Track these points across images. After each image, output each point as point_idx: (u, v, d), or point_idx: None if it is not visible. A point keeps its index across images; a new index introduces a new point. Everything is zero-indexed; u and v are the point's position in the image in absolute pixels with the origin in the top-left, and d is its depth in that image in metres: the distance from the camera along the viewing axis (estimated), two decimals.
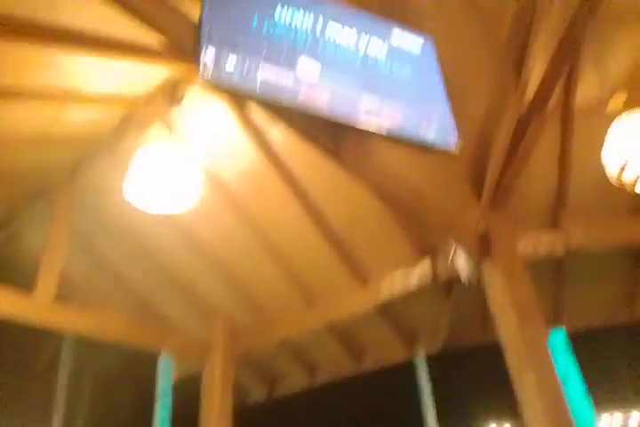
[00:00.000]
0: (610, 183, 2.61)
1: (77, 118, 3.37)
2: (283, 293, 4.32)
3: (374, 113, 2.01)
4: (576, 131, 3.16)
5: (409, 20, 2.60)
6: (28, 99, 2.97)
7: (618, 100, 2.24)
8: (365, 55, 2.13)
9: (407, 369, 4.59)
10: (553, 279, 4.06)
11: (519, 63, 2.66)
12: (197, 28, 1.74)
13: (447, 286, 3.97)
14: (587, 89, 2.94)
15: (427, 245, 3.75)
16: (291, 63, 1.85)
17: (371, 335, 4.63)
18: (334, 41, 2.07)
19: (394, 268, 3.85)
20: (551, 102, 2.78)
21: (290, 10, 2.00)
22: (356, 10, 2.28)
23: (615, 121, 2.25)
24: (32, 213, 4.34)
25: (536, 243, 3.38)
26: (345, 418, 7.34)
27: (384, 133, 2.05)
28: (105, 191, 4.04)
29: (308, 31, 2.01)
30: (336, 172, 2.40)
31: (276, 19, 1.95)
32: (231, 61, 1.71)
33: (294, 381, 5.35)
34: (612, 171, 2.42)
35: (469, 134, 3.10)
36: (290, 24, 1.98)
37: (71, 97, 3.10)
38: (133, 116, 3.50)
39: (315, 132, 2.15)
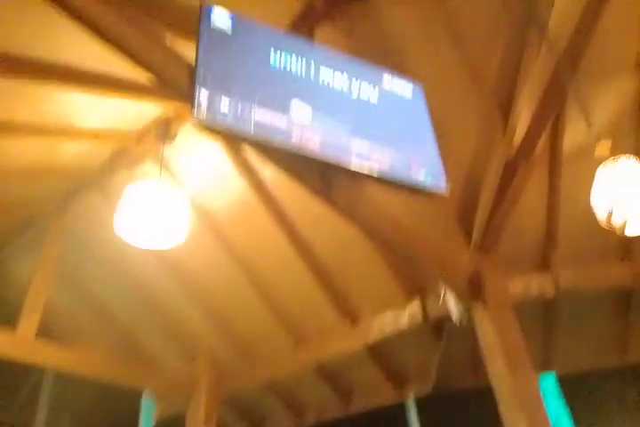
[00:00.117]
0: (599, 226, 2.62)
1: (70, 152, 3.39)
2: (270, 332, 4.26)
3: (365, 155, 2.03)
4: (564, 174, 3.21)
5: (399, 67, 2.68)
6: (22, 132, 2.99)
7: (603, 147, 2.28)
8: (357, 99, 2.17)
9: (397, 411, 4.49)
10: (543, 322, 4.04)
11: (506, 109, 2.74)
12: (191, 70, 1.77)
13: (438, 326, 3.93)
14: (574, 134, 3.02)
15: (417, 285, 3.74)
16: (284, 107, 1.88)
17: (360, 376, 4.55)
18: (326, 85, 2.11)
19: (384, 308, 3.82)
20: (538, 146, 2.84)
21: (283, 55, 2.05)
22: (348, 56, 2.34)
23: (601, 167, 2.29)
24: (19, 246, 4.30)
25: (526, 285, 3.39)
26: None
27: (375, 175, 2.07)
28: (94, 226, 4.03)
29: (301, 76, 2.05)
30: (326, 211, 2.41)
31: (270, 64, 2.00)
32: (224, 104, 1.73)
33: (281, 423, 5.20)
34: (600, 215, 2.45)
35: (458, 177, 3.16)
36: (283, 69, 2.02)
37: (64, 131, 3.12)
38: (125, 151, 3.52)
39: (306, 174, 2.18)
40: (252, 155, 3.30)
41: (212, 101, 1.71)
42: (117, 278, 4.35)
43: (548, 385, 4.02)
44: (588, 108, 2.36)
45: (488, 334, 3.00)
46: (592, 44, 2.64)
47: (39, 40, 2.46)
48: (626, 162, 2.26)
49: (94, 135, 3.26)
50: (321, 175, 2.20)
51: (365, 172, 2.02)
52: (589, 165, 2.43)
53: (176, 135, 3.34)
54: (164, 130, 3.28)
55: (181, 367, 4.70)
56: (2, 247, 4.35)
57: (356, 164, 1.98)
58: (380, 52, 2.83)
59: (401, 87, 2.37)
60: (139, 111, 3.19)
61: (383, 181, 2.11)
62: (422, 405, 4.46)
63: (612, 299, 3.96)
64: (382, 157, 2.07)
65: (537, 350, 4.17)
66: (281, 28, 2.63)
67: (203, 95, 1.71)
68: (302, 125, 1.90)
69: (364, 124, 2.12)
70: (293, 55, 2.08)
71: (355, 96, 2.18)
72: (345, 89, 2.16)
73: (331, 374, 4.55)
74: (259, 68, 1.96)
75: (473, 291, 3.09)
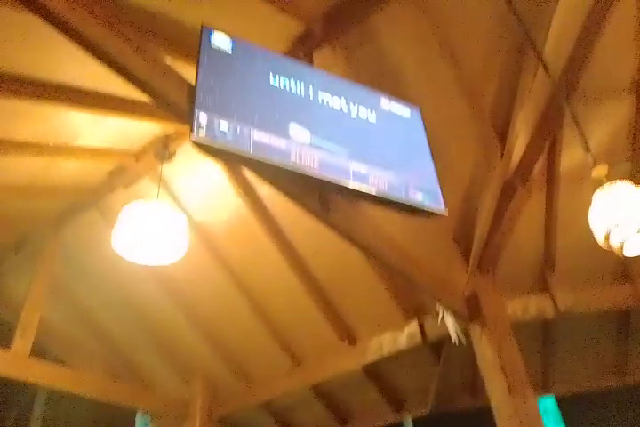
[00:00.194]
0: (596, 247, 2.63)
1: (68, 170, 3.39)
2: (266, 352, 4.22)
3: (363, 176, 2.04)
4: (561, 197, 3.22)
5: (397, 90, 2.71)
6: (21, 150, 3.00)
7: (600, 171, 2.30)
8: (355, 122, 2.19)
9: None
10: (541, 342, 4.02)
11: (503, 131, 2.76)
12: (191, 93, 1.78)
13: (436, 347, 3.91)
14: (571, 156, 3.04)
15: (415, 306, 3.72)
16: (282, 130, 1.89)
17: (357, 397, 4.50)
18: (324, 109, 2.12)
19: (382, 328, 3.80)
20: (536, 169, 2.86)
21: (281, 79, 2.07)
22: (346, 80, 2.37)
23: (598, 191, 2.30)
24: (15, 263, 4.28)
25: (524, 306, 3.38)
26: None
27: (373, 196, 2.07)
28: (90, 244, 4.02)
29: (299, 100, 2.07)
30: (324, 231, 2.41)
31: (268, 88, 2.01)
32: (223, 128, 1.74)
33: None
34: (598, 236, 2.46)
35: (456, 199, 3.17)
36: (281, 93, 2.03)
37: (63, 150, 3.13)
38: (124, 170, 3.53)
39: (304, 195, 2.18)
40: (250, 173, 3.31)
41: (210, 125, 1.72)
42: (113, 297, 4.33)
43: (548, 407, 3.99)
44: (585, 132, 2.37)
45: (486, 354, 2.99)
46: (588, 67, 2.67)
47: (39, 60, 2.49)
48: (622, 186, 2.27)
49: (93, 154, 3.27)
50: (319, 196, 2.20)
51: (363, 192, 2.02)
52: (586, 187, 2.45)
53: (175, 154, 3.35)
54: (162, 149, 3.29)
55: (176, 387, 4.65)
56: None
57: (354, 184, 1.99)
58: (378, 76, 2.87)
59: (399, 110, 2.40)
60: (138, 130, 3.20)
61: (381, 202, 2.11)
62: (420, 426, 4.41)
63: (611, 320, 3.94)
64: (380, 177, 2.08)
65: (536, 371, 4.14)
66: (279, 51, 2.65)
67: (202, 118, 1.72)
68: (300, 148, 1.90)
69: (362, 145, 2.13)
70: (292, 79, 2.10)
71: (352, 119, 2.20)
72: (343, 113, 2.17)
73: (328, 395, 4.50)
74: (258, 91, 1.97)
75: (471, 312, 3.09)
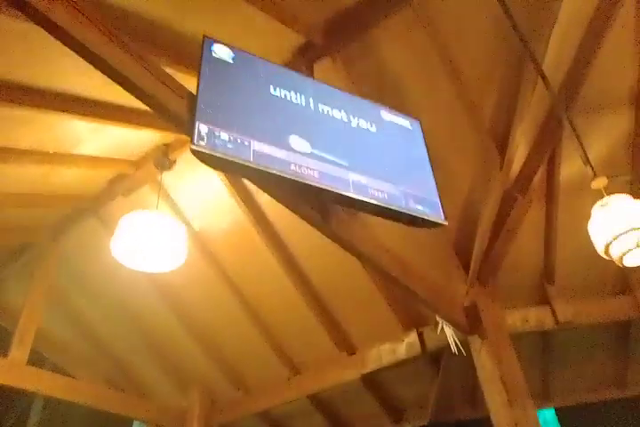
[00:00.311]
0: (596, 259, 2.63)
1: (68, 179, 3.40)
2: (265, 361, 4.20)
3: (363, 187, 2.04)
4: (561, 208, 3.23)
5: (397, 102, 2.72)
6: (21, 158, 3.00)
7: (599, 183, 2.30)
8: (355, 133, 2.19)
9: None
10: (541, 355, 4.00)
11: (503, 143, 2.77)
12: (191, 105, 1.79)
13: (435, 357, 3.89)
14: (570, 168, 3.04)
15: (415, 316, 3.71)
16: (282, 141, 1.89)
17: (356, 407, 4.47)
18: (324, 120, 2.13)
19: (381, 338, 3.78)
20: (535, 180, 2.87)
21: (282, 91, 2.08)
22: (346, 92, 2.38)
23: (597, 202, 2.31)
24: (13, 272, 4.27)
25: (524, 318, 3.37)
26: None
27: (373, 207, 2.07)
28: (89, 253, 4.02)
29: (300, 110, 2.08)
30: (324, 242, 2.41)
31: (269, 98, 2.02)
32: (223, 137, 1.74)
33: None
34: (598, 247, 2.47)
35: (455, 210, 3.17)
36: (282, 103, 2.04)
37: (63, 158, 3.14)
38: (123, 178, 3.53)
39: (304, 205, 2.18)
40: (250, 182, 3.31)
41: (211, 135, 1.72)
42: (111, 306, 4.32)
43: (547, 419, 3.96)
44: (584, 144, 2.38)
45: (486, 365, 2.99)
46: (587, 80, 2.69)
47: (41, 69, 2.50)
48: (621, 198, 2.28)
49: (93, 162, 3.28)
50: (318, 207, 2.20)
51: (363, 203, 2.02)
52: (586, 199, 2.45)
53: (175, 163, 3.36)
54: (162, 157, 3.30)
55: (174, 396, 4.63)
56: None
57: (353, 195, 1.98)
58: (378, 88, 2.88)
59: (399, 122, 2.40)
60: (138, 138, 3.21)
61: (381, 213, 2.11)
62: None
63: (611, 331, 3.92)
64: (380, 188, 2.08)
65: (536, 383, 4.12)
66: (280, 62, 2.67)
67: (202, 128, 1.72)
68: (300, 159, 1.91)
69: (362, 157, 2.13)
70: (292, 90, 2.10)
71: (352, 131, 2.20)
72: (343, 125, 2.18)
73: (326, 405, 4.47)
74: (258, 102, 1.98)
75: (470, 323, 3.08)
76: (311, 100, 2.14)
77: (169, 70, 2.05)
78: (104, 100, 2.78)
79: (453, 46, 2.71)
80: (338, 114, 2.19)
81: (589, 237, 2.46)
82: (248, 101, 1.94)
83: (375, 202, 2.02)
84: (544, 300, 3.48)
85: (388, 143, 2.28)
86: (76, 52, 1.64)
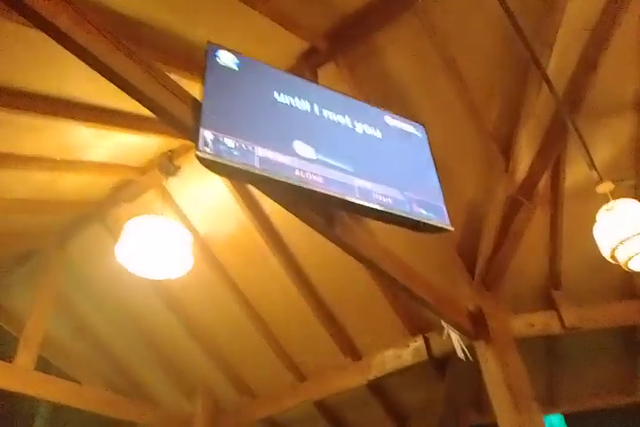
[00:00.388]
0: (602, 263, 2.62)
1: (73, 184, 3.41)
2: (270, 367, 4.19)
3: (368, 192, 2.03)
4: (566, 213, 3.21)
5: (401, 107, 2.72)
6: (26, 164, 3.02)
7: (604, 188, 2.29)
8: (360, 138, 2.19)
9: None
10: (547, 360, 3.97)
11: (508, 148, 2.77)
12: (196, 111, 1.79)
13: (441, 363, 3.87)
14: (575, 173, 3.04)
15: (420, 322, 3.69)
16: (287, 147, 1.90)
17: (362, 413, 4.45)
18: (329, 126, 2.13)
19: (386, 343, 3.77)
20: (540, 185, 2.86)
21: (286, 97, 2.08)
22: (350, 97, 2.38)
23: (603, 207, 2.30)
24: (19, 277, 4.28)
25: (529, 323, 3.35)
26: None
27: (378, 212, 2.07)
28: (94, 258, 4.02)
29: (304, 116, 2.08)
30: (329, 246, 2.40)
31: (273, 104, 2.02)
32: (228, 143, 1.75)
33: None
34: (604, 251, 2.46)
35: (460, 216, 3.17)
36: (286, 109, 2.04)
37: (68, 164, 3.15)
38: (128, 184, 3.54)
39: (309, 210, 2.18)
40: (254, 188, 3.31)
41: (216, 141, 1.73)
42: (116, 312, 4.32)
43: (554, 425, 3.93)
44: (589, 149, 2.37)
45: (492, 371, 2.97)
46: (592, 84, 2.68)
47: (46, 76, 2.51)
48: (627, 203, 2.27)
49: (99, 168, 3.29)
50: (323, 212, 2.20)
51: (368, 208, 2.02)
52: (591, 203, 2.44)
53: (179, 168, 3.37)
54: (167, 163, 3.31)
55: (179, 402, 4.62)
56: (1, 279, 4.33)
57: (358, 200, 1.98)
58: (382, 93, 2.88)
59: (404, 127, 2.40)
60: (143, 144, 3.22)
61: (386, 218, 2.10)
62: None
63: (618, 337, 3.90)
64: (385, 193, 2.07)
65: (542, 388, 4.09)
66: (284, 68, 2.67)
67: (207, 135, 1.72)
68: (305, 165, 1.91)
69: (367, 162, 2.13)
70: (296, 97, 2.11)
71: (357, 135, 2.20)
72: (347, 130, 2.18)
73: (332, 411, 4.46)
74: (263, 108, 1.98)
75: (476, 328, 3.07)
76: (315, 106, 2.14)
77: (174, 77, 2.06)
78: (109, 107, 2.80)
79: (457, 51, 2.72)
80: (342, 119, 2.20)
81: (595, 242, 2.45)
82: (252, 107, 1.95)
83: (380, 207, 2.01)
84: (550, 305, 3.46)
85: (392, 148, 2.28)
86: (81, 59, 1.64)
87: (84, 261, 4.12)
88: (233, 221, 3.65)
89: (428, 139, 2.44)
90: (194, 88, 1.92)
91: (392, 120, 2.38)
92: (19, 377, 3.50)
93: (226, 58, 2.04)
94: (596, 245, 2.44)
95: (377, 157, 2.18)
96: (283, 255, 3.65)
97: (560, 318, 3.37)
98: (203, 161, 1.70)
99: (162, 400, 4.80)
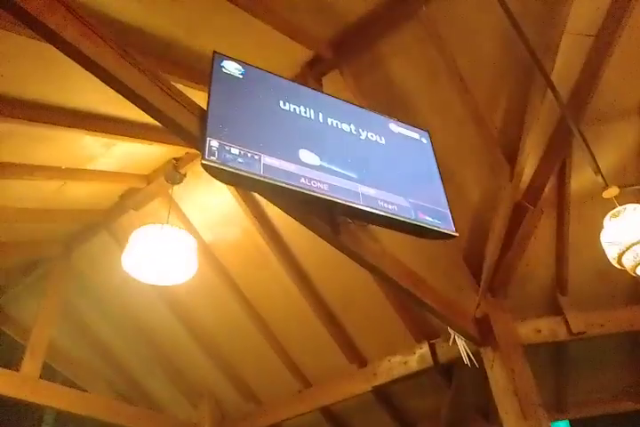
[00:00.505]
0: (609, 268, 2.62)
1: (79, 193, 3.43)
2: (276, 374, 4.18)
3: (373, 199, 2.04)
4: (572, 218, 3.20)
5: (405, 114, 2.72)
6: (33, 174, 3.04)
7: (610, 193, 2.29)
8: (364, 146, 2.20)
9: None
10: (554, 366, 3.95)
11: (513, 154, 2.77)
12: (202, 120, 1.81)
13: (448, 370, 3.85)
14: (581, 178, 3.03)
15: (426, 328, 3.68)
16: (292, 154, 1.91)
17: (367, 420, 4.42)
18: (334, 134, 2.14)
19: (392, 350, 3.75)
20: (546, 191, 2.86)
21: (291, 106, 2.09)
22: (355, 105, 2.39)
23: (609, 212, 2.30)
24: (25, 286, 4.29)
25: (536, 329, 3.33)
26: None
27: (383, 219, 2.07)
28: (100, 267, 4.04)
29: (309, 124, 2.09)
30: (334, 254, 2.41)
31: (278, 113, 2.04)
32: (234, 152, 1.76)
33: None
34: (611, 257, 2.46)
35: (466, 221, 3.17)
36: (291, 118, 2.06)
37: (75, 173, 3.17)
38: (134, 193, 3.56)
39: (314, 217, 2.19)
40: (260, 195, 3.33)
41: (221, 149, 1.74)
42: (122, 321, 4.33)
43: None
44: (595, 154, 2.37)
45: (499, 378, 2.96)
46: (597, 89, 2.69)
47: (53, 86, 2.54)
48: (633, 208, 2.26)
49: (105, 177, 3.31)
50: (329, 219, 2.21)
51: (373, 214, 2.02)
52: (597, 209, 2.44)
53: (185, 176, 3.38)
54: (173, 171, 3.32)
55: (185, 409, 4.61)
56: (8, 287, 4.35)
57: (363, 207, 1.99)
58: (386, 101, 2.89)
59: (408, 134, 2.41)
60: (149, 153, 3.25)
61: (391, 225, 2.11)
62: None
63: (625, 342, 3.88)
64: (390, 199, 2.08)
65: (549, 395, 4.07)
66: (289, 76, 2.69)
67: (213, 143, 1.74)
68: (310, 172, 1.92)
69: (371, 169, 2.14)
70: (301, 106, 2.12)
71: (363, 140, 2.21)
72: (352, 138, 2.19)
73: (337, 418, 4.44)
74: (268, 116, 2.00)
75: (482, 335, 3.06)
76: (320, 114, 2.16)
77: (180, 86, 2.08)
78: (116, 116, 2.82)
79: (461, 58, 2.72)
80: (347, 127, 2.21)
81: (601, 248, 2.44)
82: (258, 116, 1.96)
83: (385, 214, 2.02)
84: (557, 310, 3.44)
85: (397, 155, 2.29)
86: (88, 69, 1.66)
87: (90, 270, 4.14)
88: (238, 227, 3.66)
89: (433, 145, 2.45)
90: (200, 97, 1.93)
91: (397, 127, 2.39)
92: (25, 385, 3.51)
93: (231, 67, 2.06)
94: (602, 250, 2.43)
95: (382, 164, 2.19)
96: (288, 262, 3.66)
97: (566, 324, 3.35)
98: (209, 169, 1.72)
99: (167, 407, 4.79)
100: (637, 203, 2.32)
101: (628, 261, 2.39)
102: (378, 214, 2.02)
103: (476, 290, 3.19)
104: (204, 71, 2.09)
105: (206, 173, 1.74)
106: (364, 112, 2.38)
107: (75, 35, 1.59)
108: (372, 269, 2.47)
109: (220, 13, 2.45)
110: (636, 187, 2.83)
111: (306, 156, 1.95)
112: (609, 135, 2.91)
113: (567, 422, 3.90)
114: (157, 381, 4.65)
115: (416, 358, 3.63)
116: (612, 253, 2.41)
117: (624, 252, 2.35)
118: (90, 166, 3.17)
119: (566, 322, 3.36)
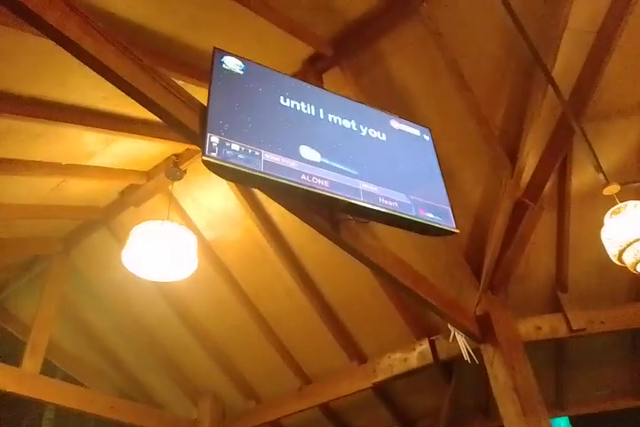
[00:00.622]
0: (609, 266, 2.63)
1: (78, 190, 3.42)
2: (276, 371, 4.19)
3: (374, 196, 2.04)
4: (573, 215, 3.20)
5: (406, 111, 2.72)
6: (32, 170, 3.03)
7: (611, 190, 2.29)
8: (365, 142, 2.20)
9: None
10: (554, 363, 3.96)
11: (513, 151, 2.76)
12: (202, 117, 1.80)
13: (448, 367, 3.86)
14: (582, 176, 3.03)
15: (426, 325, 3.68)
16: (293, 151, 1.91)
17: (368, 417, 4.44)
18: (334, 130, 2.14)
19: (392, 347, 3.75)
20: (546, 188, 2.85)
21: (291, 102, 2.09)
22: (356, 102, 2.39)
23: (610, 210, 2.30)
24: (25, 283, 4.29)
25: (537, 326, 3.33)
26: None
27: (383, 216, 2.07)
28: (100, 264, 4.04)
29: (310, 120, 2.09)
30: (335, 251, 2.41)
31: (279, 109, 2.03)
32: (234, 148, 1.76)
33: None
34: (611, 254, 2.46)
35: (466, 219, 3.16)
36: (292, 114, 2.05)
37: (74, 170, 3.17)
38: (134, 189, 3.55)
39: (314, 214, 2.18)
40: (260, 192, 3.33)
41: (222, 145, 1.74)
42: (122, 317, 4.33)
43: None
44: (595, 151, 2.37)
45: (499, 375, 2.96)
46: (598, 86, 2.68)
47: (52, 82, 2.53)
48: (634, 205, 2.26)
49: (104, 173, 3.30)
50: (329, 216, 2.20)
51: (373, 211, 2.02)
52: (598, 206, 2.44)
53: (185, 173, 3.38)
54: (173, 168, 3.32)
55: (185, 407, 4.62)
56: (8, 284, 4.35)
57: (364, 204, 1.99)
58: (387, 98, 2.89)
59: (409, 130, 2.41)
60: (149, 149, 3.24)
61: (391, 221, 2.11)
62: None
63: (625, 339, 3.89)
64: (390, 196, 2.08)
65: (549, 391, 4.08)
66: (289, 72, 2.68)
67: (213, 139, 1.73)
68: (311, 169, 1.91)
69: (372, 166, 2.13)
70: (302, 102, 2.12)
71: (364, 137, 2.21)
72: (354, 132, 2.19)
73: (337, 415, 4.45)
74: (269, 112, 1.99)
75: (483, 332, 3.07)
76: (321, 111, 2.15)
77: (180, 82, 2.08)
78: (115, 113, 2.82)
79: (462, 55, 2.72)
80: (347, 123, 2.20)
81: (602, 245, 2.45)
82: (258, 112, 1.96)
83: (385, 210, 2.02)
84: (557, 308, 3.45)
85: (398, 152, 2.29)
86: (89, 66, 1.65)
87: (89, 267, 4.14)
88: (238, 224, 3.66)
89: (434, 142, 2.45)
90: (200, 94, 1.93)
91: (397, 124, 2.39)
92: (25, 381, 3.51)
93: (232, 63, 2.05)
94: (602, 247, 2.43)
95: (382, 161, 2.19)
96: (289, 259, 3.65)
97: (567, 321, 3.35)
98: (209, 166, 1.72)
99: (168, 404, 4.80)
100: (638, 200, 2.32)
101: (628, 258, 2.40)
102: (378, 211, 2.01)
103: (476, 287, 3.19)
104: (204, 68, 2.08)
105: (206, 170, 1.74)
106: (365, 108, 2.38)
107: (75, 31, 1.58)
108: (373, 266, 2.47)
109: (220, 10, 2.45)
110: (637, 184, 2.83)
111: (306, 152, 1.95)
112: (610, 132, 2.91)
113: (567, 418, 3.91)
114: (157, 377, 4.66)
115: (416, 354, 3.63)
116: (612, 250, 2.42)
117: (624, 249, 2.35)
118: (89, 163, 3.17)
119: (566, 319, 3.36)
